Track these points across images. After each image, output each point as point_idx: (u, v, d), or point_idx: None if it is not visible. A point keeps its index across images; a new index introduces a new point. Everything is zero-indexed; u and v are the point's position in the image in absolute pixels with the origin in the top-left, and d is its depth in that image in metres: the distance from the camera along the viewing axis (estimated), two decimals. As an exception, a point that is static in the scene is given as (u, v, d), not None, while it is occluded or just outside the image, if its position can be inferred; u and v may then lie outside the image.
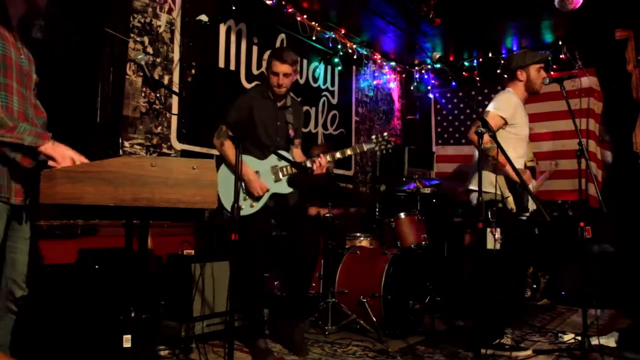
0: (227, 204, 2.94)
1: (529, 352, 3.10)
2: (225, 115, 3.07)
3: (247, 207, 3.02)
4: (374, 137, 3.19)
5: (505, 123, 3.13)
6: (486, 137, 2.84)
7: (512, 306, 3.27)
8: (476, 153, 3.15)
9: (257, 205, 3.03)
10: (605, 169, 5.51)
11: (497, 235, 2.92)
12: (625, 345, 3.25)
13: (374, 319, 3.38)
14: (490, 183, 3.01)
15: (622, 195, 5.06)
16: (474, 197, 3.19)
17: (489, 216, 2.98)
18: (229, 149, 3.01)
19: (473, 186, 3.19)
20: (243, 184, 2.99)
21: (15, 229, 1.87)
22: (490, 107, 3.17)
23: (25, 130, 1.71)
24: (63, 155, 1.76)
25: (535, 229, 3.35)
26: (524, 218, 3.12)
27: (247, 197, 3.02)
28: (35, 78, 1.96)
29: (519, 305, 4.31)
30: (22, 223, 1.89)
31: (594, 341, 3.12)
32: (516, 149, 3.13)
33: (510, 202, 3.07)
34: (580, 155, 3.12)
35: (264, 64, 4.64)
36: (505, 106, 3.15)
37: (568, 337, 3.41)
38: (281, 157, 2.72)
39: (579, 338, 3.11)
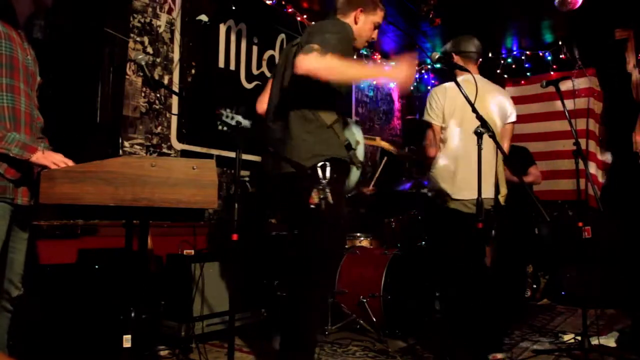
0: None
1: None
2: (318, 37, 2.12)
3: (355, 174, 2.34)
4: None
5: None
6: None
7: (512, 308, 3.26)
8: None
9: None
10: (606, 168, 5.52)
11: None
12: (625, 345, 3.26)
13: (374, 319, 3.37)
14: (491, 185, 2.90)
15: (623, 195, 5.06)
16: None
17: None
18: (334, 59, 2.06)
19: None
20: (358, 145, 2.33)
21: (16, 229, 1.87)
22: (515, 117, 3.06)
23: (13, 140, 1.72)
24: (56, 162, 1.76)
25: (535, 229, 3.34)
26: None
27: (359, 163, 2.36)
28: (39, 79, 1.96)
29: (518, 305, 4.33)
30: (23, 223, 1.89)
31: (594, 341, 3.13)
32: None
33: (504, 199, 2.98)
34: (577, 155, 3.12)
35: (264, 63, 4.64)
36: None
37: (568, 337, 3.41)
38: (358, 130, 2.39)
39: (579, 338, 3.11)
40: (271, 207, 3.54)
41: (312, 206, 2.07)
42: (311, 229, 2.23)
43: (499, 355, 2.80)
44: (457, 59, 2.99)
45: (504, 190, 2.95)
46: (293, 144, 2.22)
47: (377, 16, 2.43)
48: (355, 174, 2.31)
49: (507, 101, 3.05)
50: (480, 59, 3.08)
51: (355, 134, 2.41)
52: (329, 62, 2.02)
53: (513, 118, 3.05)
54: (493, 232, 2.99)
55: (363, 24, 2.40)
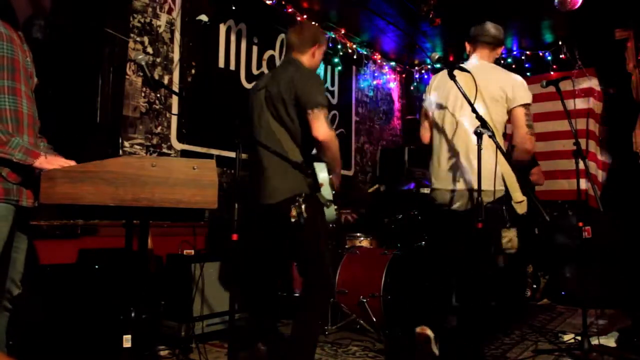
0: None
1: None
2: (318, 99, 2.37)
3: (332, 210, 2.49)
4: None
5: None
6: None
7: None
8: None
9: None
10: (605, 168, 5.52)
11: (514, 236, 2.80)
12: (625, 345, 3.25)
13: (374, 319, 3.38)
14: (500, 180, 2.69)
15: (623, 195, 5.06)
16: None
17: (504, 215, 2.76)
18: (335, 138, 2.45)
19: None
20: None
21: (18, 229, 1.87)
22: (529, 99, 2.81)
23: (17, 146, 1.71)
24: (61, 164, 1.76)
25: (535, 229, 3.32)
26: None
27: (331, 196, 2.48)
28: (36, 81, 1.96)
29: (518, 305, 4.31)
30: (24, 223, 1.90)
31: (594, 341, 3.13)
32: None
33: (524, 206, 2.82)
34: (577, 155, 3.12)
35: (264, 63, 4.64)
36: None
37: (568, 337, 3.41)
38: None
39: (579, 338, 3.11)
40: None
41: (292, 220, 2.30)
42: (298, 239, 2.40)
43: (428, 331, 2.80)
44: (468, 47, 3.09)
45: (518, 196, 2.74)
46: (269, 182, 2.42)
47: (325, 45, 2.64)
48: (329, 212, 2.44)
49: (508, 85, 2.84)
50: (494, 46, 3.08)
51: (319, 176, 2.46)
52: (335, 140, 2.38)
53: (519, 101, 2.78)
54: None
55: (318, 56, 2.59)
